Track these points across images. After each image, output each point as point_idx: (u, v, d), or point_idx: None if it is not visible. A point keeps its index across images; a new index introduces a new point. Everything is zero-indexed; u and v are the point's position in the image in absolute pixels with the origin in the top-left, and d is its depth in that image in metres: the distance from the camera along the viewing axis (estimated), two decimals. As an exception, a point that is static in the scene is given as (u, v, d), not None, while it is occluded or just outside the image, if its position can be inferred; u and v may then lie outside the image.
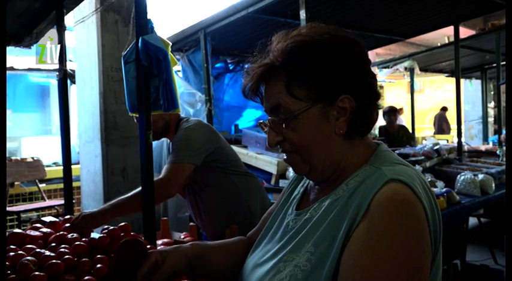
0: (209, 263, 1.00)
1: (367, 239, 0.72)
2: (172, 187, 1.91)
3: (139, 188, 1.75)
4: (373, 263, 0.70)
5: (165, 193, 1.90)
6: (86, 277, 1.11)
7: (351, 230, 0.75)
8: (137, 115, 1.71)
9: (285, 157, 0.90)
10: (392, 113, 5.68)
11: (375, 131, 5.69)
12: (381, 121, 5.68)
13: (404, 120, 10.93)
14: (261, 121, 0.93)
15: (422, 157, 3.73)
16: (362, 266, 0.71)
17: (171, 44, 1.79)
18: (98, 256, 1.21)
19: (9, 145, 6.34)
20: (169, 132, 2.12)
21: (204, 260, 0.99)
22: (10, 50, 3.28)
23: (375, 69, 6.85)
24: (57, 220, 1.58)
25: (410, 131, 6.29)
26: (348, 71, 0.82)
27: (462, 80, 7.88)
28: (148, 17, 1.65)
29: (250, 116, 5.32)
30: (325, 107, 0.83)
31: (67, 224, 1.56)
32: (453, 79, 5.43)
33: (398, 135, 5.57)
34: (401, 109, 12.51)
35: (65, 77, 2.32)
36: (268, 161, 3.64)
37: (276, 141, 0.87)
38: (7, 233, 1.33)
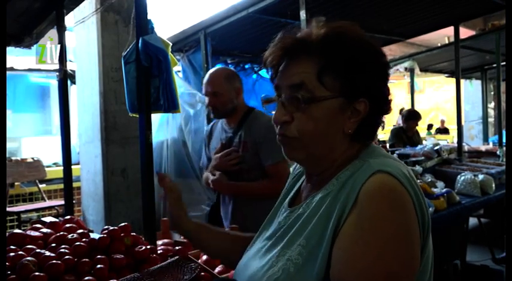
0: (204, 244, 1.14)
1: (357, 231, 0.73)
2: (283, 183, 1.99)
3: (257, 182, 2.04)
4: (364, 254, 0.71)
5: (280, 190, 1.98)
6: (86, 278, 1.11)
7: (341, 222, 0.76)
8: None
9: (280, 138, 0.88)
10: (414, 120, 5.50)
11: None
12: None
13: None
14: (270, 97, 0.90)
15: (423, 157, 3.73)
16: (354, 258, 0.72)
17: (171, 44, 1.79)
18: (98, 256, 1.21)
19: (9, 145, 6.33)
20: (234, 116, 2.18)
21: (202, 240, 1.13)
22: (10, 50, 3.28)
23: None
24: (57, 220, 1.58)
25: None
26: (376, 78, 0.85)
27: (462, 81, 7.87)
28: (148, 18, 1.66)
29: (250, 116, 5.31)
30: (344, 103, 0.83)
31: (67, 225, 1.56)
32: (453, 79, 5.43)
33: (414, 139, 5.52)
34: (403, 109, 12.49)
35: (65, 77, 2.32)
36: (268, 162, 3.63)
37: (283, 120, 0.85)
38: (7, 234, 1.33)
